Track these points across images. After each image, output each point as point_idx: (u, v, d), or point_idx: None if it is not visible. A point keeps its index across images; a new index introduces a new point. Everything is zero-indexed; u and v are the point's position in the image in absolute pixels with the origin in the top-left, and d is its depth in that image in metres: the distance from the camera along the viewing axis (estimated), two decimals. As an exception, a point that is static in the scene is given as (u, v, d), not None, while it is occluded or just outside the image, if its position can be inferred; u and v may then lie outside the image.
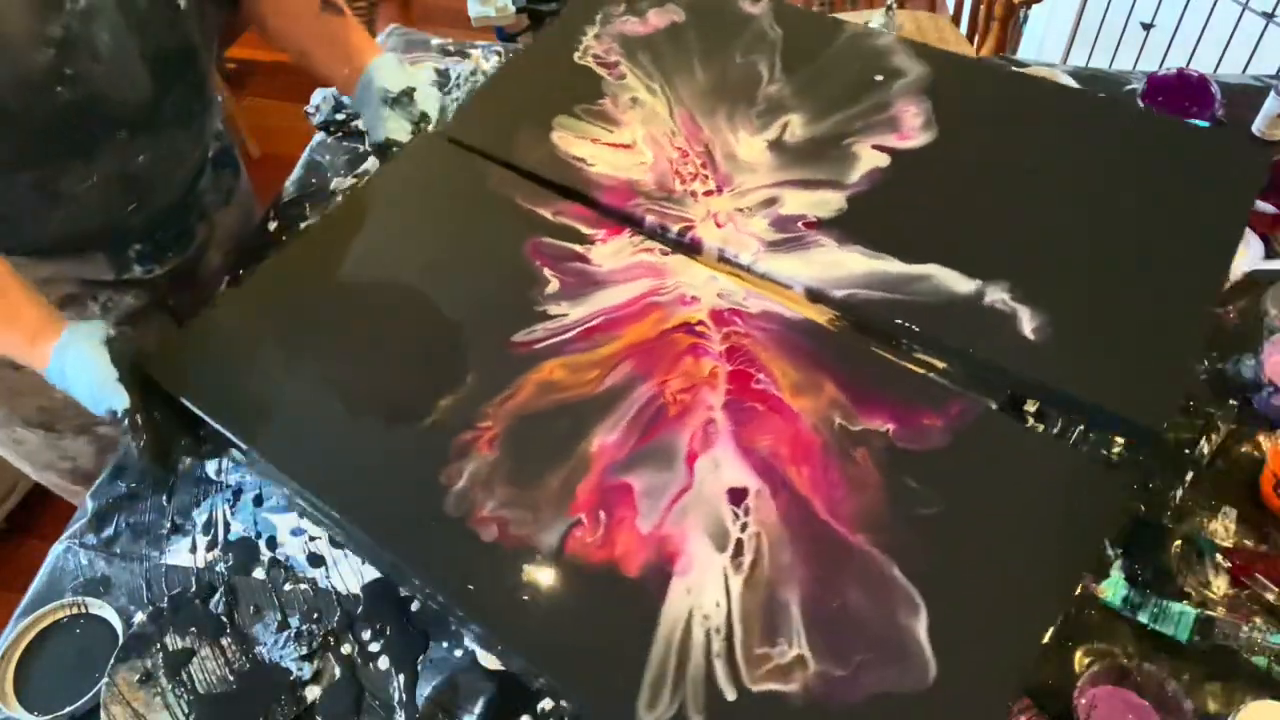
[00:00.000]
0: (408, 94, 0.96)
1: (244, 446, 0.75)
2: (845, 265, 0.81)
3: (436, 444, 0.72)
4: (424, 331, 0.80)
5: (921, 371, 0.75)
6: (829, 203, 0.86)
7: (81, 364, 0.75)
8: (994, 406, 0.73)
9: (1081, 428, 0.72)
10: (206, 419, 0.76)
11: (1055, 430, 0.72)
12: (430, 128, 0.97)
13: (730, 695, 0.59)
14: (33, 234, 0.83)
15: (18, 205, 0.77)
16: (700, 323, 0.79)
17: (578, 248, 0.85)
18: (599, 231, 0.86)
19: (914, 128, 0.92)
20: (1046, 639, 0.60)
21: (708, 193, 0.88)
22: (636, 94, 0.98)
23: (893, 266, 0.81)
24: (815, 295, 0.80)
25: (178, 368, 0.79)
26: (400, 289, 0.84)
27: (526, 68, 1.03)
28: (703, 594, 0.63)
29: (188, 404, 0.77)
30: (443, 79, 1.05)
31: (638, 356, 0.77)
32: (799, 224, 0.85)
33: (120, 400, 0.74)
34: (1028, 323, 0.76)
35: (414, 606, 0.77)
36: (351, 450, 0.73)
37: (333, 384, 0.78)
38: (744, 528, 0.66)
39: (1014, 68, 1.25)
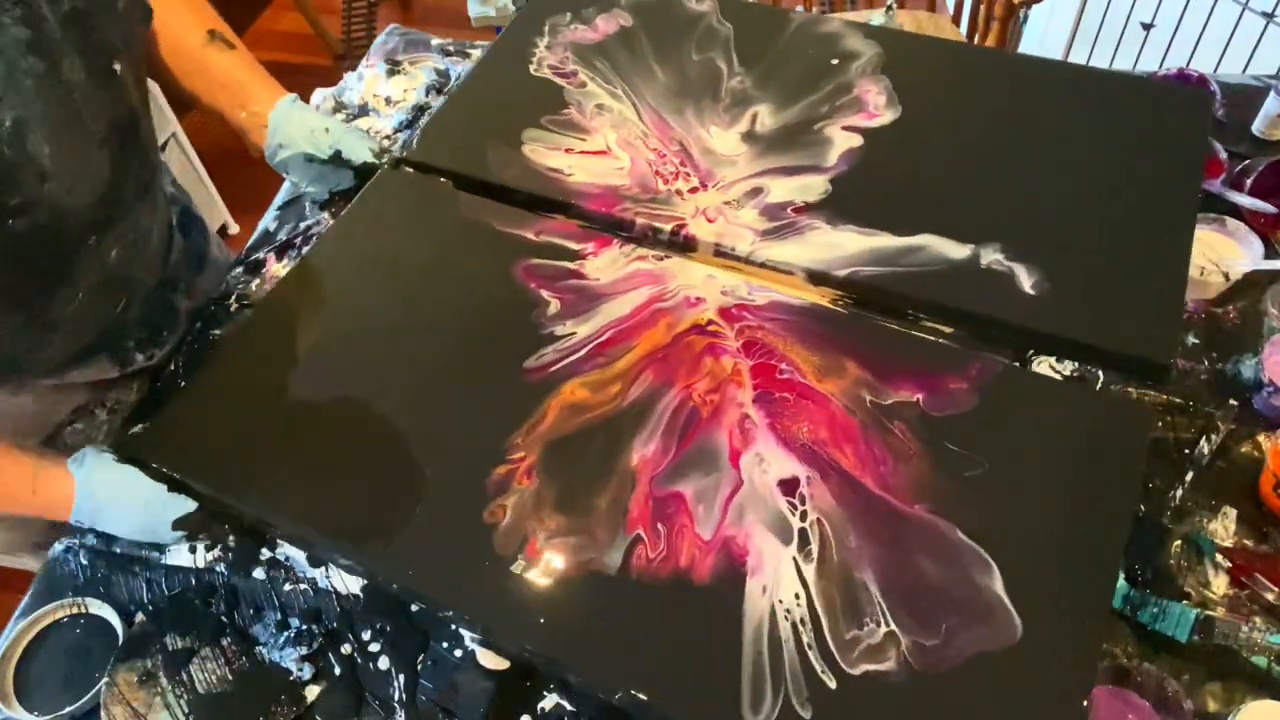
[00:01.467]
0: (337, 154, 0.92)
1: (273, 524, 0.72)
2: (842, 245, 0.82)
3: (472, 483, 0.70)
4: (428, 373, 0.78)
5: (933, 339, 0.77)
6: (813, 187, 0.87)
7: (119, 490, 0.72)
8: (1014, 363, 0.75)
9: (1098, 375, 0.75)
10: (230, 502, 0.73)
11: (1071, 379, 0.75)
12: (377, 159, 0.93)
13: (831, 683, 0.59)
14: (36, 365, 0.76)
15: (15, 346, 0.69)
16: (711, 322, 0.78)
17: (570, 265, 0.83)
18: (587, 245, 0.85)
19: (878, 105, 0.94)
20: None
21: (692, 190, 0.88)
22: (600, 100, 0.97)
23: (887, 241, 0.82)
24: (817, 277, 0.81)
25: (187, 456, 0.75)
26: (393, 333, 0.81)
27: (482, 85, 1.01)
28: (779, 589, 0.63)
29: (200, 488, 0.73)
30: (443, 79, 1.00)
31: (656, 364, 0.76)
32: (788, 210, 0.85)
33: (186, 504, 0.73)
34: (1026, 279, 0.78)
35: (414, 606, 0.75)
36: (381, 505, 0.70)
37: (343, 440, 0.74)
38: (804, 516, 0.66)
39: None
